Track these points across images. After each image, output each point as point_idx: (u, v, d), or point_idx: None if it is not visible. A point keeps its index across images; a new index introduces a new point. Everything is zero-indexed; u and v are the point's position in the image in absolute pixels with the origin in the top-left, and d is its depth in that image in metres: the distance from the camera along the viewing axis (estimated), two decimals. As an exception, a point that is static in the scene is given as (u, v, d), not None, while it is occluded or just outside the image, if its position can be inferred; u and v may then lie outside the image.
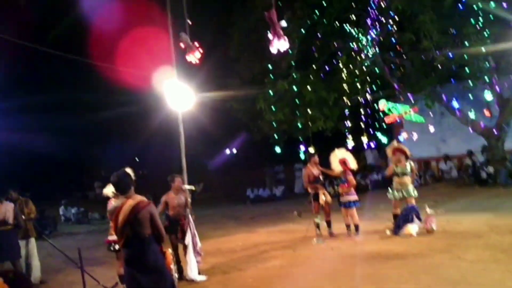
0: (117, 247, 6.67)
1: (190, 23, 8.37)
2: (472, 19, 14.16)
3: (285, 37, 7.28)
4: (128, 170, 4.79)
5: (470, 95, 15.90)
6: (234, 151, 29.08)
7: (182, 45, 8.43)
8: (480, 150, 17.17)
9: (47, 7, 16.95)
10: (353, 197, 9.99)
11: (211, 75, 15.86)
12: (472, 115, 16.43)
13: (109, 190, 6.94)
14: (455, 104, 16.41)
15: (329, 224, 10.37)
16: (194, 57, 8.33)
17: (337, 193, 10.43)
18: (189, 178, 8.34)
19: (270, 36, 7.40)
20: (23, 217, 8.67)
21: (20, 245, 8.61)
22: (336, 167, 10.15)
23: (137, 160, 26.70)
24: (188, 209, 7.93)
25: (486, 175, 15.89)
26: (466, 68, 14.89)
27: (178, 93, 10.07)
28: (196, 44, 8.38)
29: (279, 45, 7.11)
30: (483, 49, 13.79)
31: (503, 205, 11.88)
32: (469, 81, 15.10)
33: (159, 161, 27.92)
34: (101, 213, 18.94)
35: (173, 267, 7.11)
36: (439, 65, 15.05)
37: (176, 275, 7.37)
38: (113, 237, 6.33)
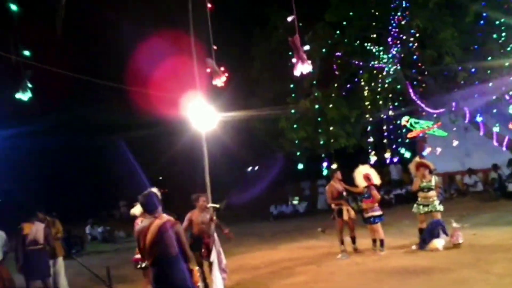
0: (143, 265, 6.82)
1: (215, 48, 8.62)
2: (494, 34, 14.13)
3: (309, 61, 7.45)
4: (154, 190, 4.95)
5: (494, 109, 15.78)
6: (256, 168, 29.18)
7: (208, 70, 8.67)
8: (506, 164, 16.93)
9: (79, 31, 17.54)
10: (378, 212, 9.95)
11: (234, 96, 16.09)
12: (496, 129, 16.27)
13: (136, 210, 7.10)
14: (479, 118, 16.27)
15: (353, 240, 10.36)
16: (220, 81, 8.56)
17: (360, 209, 10.41)
18: (213, 196, 8.48)
19: (294, 60, 7.59)
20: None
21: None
22: (360, 183, 10.16)
23: (161, 179, 26.96)
24: (213, 226, 8.05)
25: (512, 189, 15.63)
26: (490, 83, 14.81)
27: (202, 114, 10.32)
28: (222, 68, 8.62)
29: (303, 68, 7.28)
30: (506, 63, 13.73)
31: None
32: (493, 96, 15.01)
33: (183, 180, 28.20)
34: (126, 231, 19.17)
35: (200, 284, 7.24)
36: (462, 81, 14.99)
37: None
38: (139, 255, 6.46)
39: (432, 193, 9.72)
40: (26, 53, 7.54)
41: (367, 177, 10.11)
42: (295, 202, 22.82)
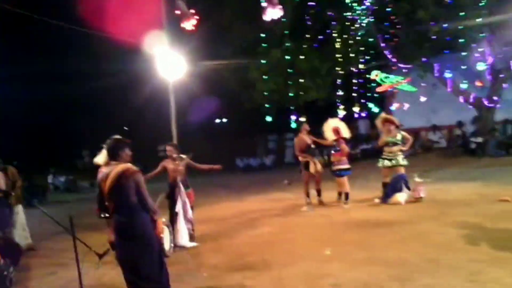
0: (107, 214, 6.67)
1: None
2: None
3: (280, 6, 7.18)
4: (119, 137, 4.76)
5: (462, 66, 15.89)
6: (224, 120, 29.03)
7: (178, 11, 8.29)
8: (471, 121, 17.28)
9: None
10: (345, 165, 10.03)
11: (203, 43, 15.63)
12: (464, 86, 16.47)
13: (100, 158, 6.88)
14: (448, 75, 16.39)
15: (319, 192, 10.47)
16: (189, 24, 8.21)
17: (328, 162, 10.46)
18: (180, 147, 8.33)
19: (264, 4, 7.29)
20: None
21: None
22: (330, 136, 10.15)
23: (127, 129, 26.49)
24: (179, 177, 7.93)
25: (475, 145, 16.02)
26: (461, 39, 14.82)
27: (169, 61, 9.95)
28: (192, 11, 8.25)
29: (273, 13, 7.01)
30: (479, 20, 13.70)
31: (492, 175, 12.04)
32: (462, 52, 15.07)
33: (149, 130, 27.79)
34: (90, 181, 18.90)
35: (167, 235, 7.17)
36: (433, 36, 14.95)
37: (172, 244, 7.42)
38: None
39: (397, 148, 9.82)
40: None
41: (336, 131, 10.10)
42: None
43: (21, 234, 8.78)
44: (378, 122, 10.31)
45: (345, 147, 10.09)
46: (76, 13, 15.56)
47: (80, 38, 15.03)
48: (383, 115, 10.66)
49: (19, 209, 8.82)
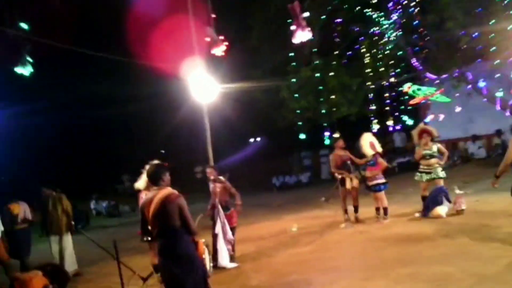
0: (149, 238, 6.83)
1: (214, 16, 8.48)
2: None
3: (308, 28, 7.31)
4: (158, 162, 4.93)
5: (497, 74, 15.58)
6: (258, 139, 29.19)
7: (207, 39, 8.56)
8: (510, 129, 16.85)
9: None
10: (382, 180, 9.95)
11: (234, 66, 15.91)
12: (499, 94, 16.12)
13: (140, 183, 7.09)
14: (482, 83, 16.09)
15: (356, 209, 10.39)
16: (219, 50, 8.45)
17: (364, 177, 10.37)
18: (217, 169, 8.50)
19: (293, 27, 7.44)
20: (58, 212, 8.97)
21: (55, 240, 8.93)
22: (368, 151, 10.05)
23: (163, 152, 26.99)
24: (217, 199, 8.06)
25: (516, 154, 15.56)
26: (492, 47, 14.58)
27: (203, 85, 10.23)
28: (221, 37, 8.50)
29: (302, 35, 7.14)
30: (509, 26, 13.47)
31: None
32: (495, 60, 14.80)
33: (185, 153, 28.21)
34: (131, 205, 19.28)
35: (207, 256, 7.28)
36: (464, 46, 14.76)
37: (211, 264, 7.53)
38: None
39: (434, 161, 9.68)
40: (24, 26, 7.43)
41: (372, 145, 10.07)
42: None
43: (69, 260, 9.09)
44: (415, 133, 10.18)
45: (382, 161, 10.05)
46: (115, 41, 16.23)
47: (118, 64, 15.59)
48: (421, 125, 10.56)
49: (68, 236, 9.15)
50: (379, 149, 10.23)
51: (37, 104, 19.55)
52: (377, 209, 10.16)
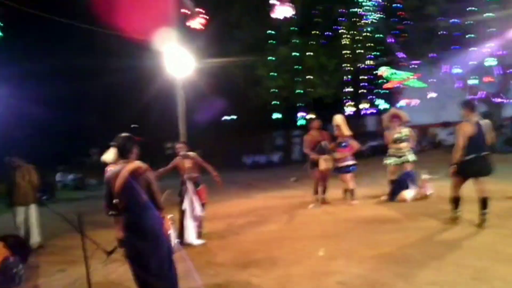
0: (114, 212, 6.72)
1: None
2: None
3: (289, 3, 7.17)
4: (128, 135, 4.80)
5: (471, 61, 15.79)
6: (232, 117, 29.07)
7: (185, 10, 8.32)
8: (481, 117, 17.15)
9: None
10: (351, 161, 10.03)
11: (211, 40, 15.67)
12: (472, 81, 16.37)
13: (108, 156, 6.92)
14: (456, 70, 16.30)
15: (324, 190, 10.44)
16: (196, 22, 8.23)
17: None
18: (188, 145, 8.37)
19: (273, 1, 7.28)
20: (25, 183, 8.75)
21: (20, 211, 8.73)
22: (346, 131, 10.08)
23: (135, 126, 26.63)
24: (187, 175, 7.97)
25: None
26: (470, 34, 14.73)
27: (177, 58, 9.98)
28: (200, 10, 8.28)
29: (283, 11, 6.99)
30: (488, 14, 13.60)
31: (500, 172, 11.90)
32: (471, 48, 14.98)
33: (157, 128, 27.88)
34: (98, 179, 19.01)
35: (173, 232, 7.21)
36: (442, 32, 14.86)
37: (177, 240, 7.48)
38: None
39: (404, 144, 9.77)
40: None
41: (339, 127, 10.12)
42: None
43: (35, 232, 8.92)
44: (386, 117, 10.23)
45: (356, 143, 10.11)
46: (86, 11, 15.68)
47: (88, 35, 15.12)
48: (392, 109, 10.62)
49: (34, 208, 8.95)
50: (347, 132, 10.27)
51: (4, 71, 18.94)
52: (345, 191, 10.26)
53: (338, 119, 10.24)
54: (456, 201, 7.27)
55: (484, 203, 6.92)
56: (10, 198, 8.80)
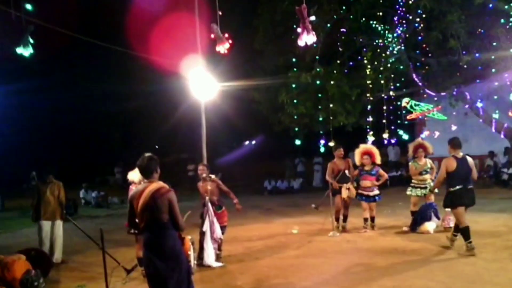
0: (136, 230, 6.82)
1: (220, 13, 8.46)
2: (502, 19, 13.94)
3: (313, 32, 7.31)
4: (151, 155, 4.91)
5: (495, 96, 15.69)
6: (253, 142, 29.24)
7: (212, 35, 8.53)
8: (503, 151, 16.96)
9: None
10: (377, 191, 10.14)
11: (234, 65, 15.93)
12: (496, 115, 16.23)
13: (134, 175, 7.07)
14: (479, 104, 16.19)
15: (345, 218, 10.41)
16: (223, 48, 8.43)
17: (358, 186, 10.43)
18: (210, 168, 8.49)
19: (299, 30, 7.44)
20: (54, 199, 8.95)
21: (46, 226, 8.88)
22: (378, 159, 10.23)
23: (158, 148, 26.94)
24: (207, 198, 8.05)
25: (507, 177, 15.68)
26: (493, 69, 14.68)
27: (202, 83, 10.19)
28: (226, 35, 8.48)
29: (307, 39, 7.14)
30: (511, 50, 13.57)
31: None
32: (495, 82, 14.92)
33: (181, 150, 28.19)
34: (120, 197, 19.20)
35: (192, 253, 7.26)
36: (465, 66, 14.85)
37: (195, 262, 7.52)
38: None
39: (427, 176, 9.75)
40: (28, 7, 7.40)
41: (369, 154, 10.26)
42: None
43: (60, 247, 9.07)
44: (411, 146, 10.25)
45: (384, 173, 10.21)
46: (117, 37, 16.23)
47: (119, 59, 15.59)
48: (419, 140, 10.67)
49: (61, 223, 9.12)
50: (379, 160, 10.35)
51: (35, 85, 19.48)
52: (365, 219, 10.23)
53: (370, 147, 10.36)
54: (465, 232, 7.48)
55: (465, 232, 7.41)
56: (37, 212, 8.97)
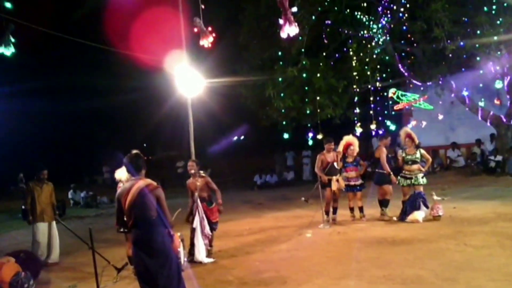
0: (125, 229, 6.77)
1: (203, 7, 8.40)
2: (485, 7, 14.03)
3: (296, 23, 7.28)
4: (138, 152, 4.88)
5: (480, 84, 15.81)
6: (242, 137, 29.21)
7: (195, 29, 8.48)
8: (489, 139, 17.11)
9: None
10: (360, 181, 10.37)
11: (220, 61, 15.82)
12: (482, 103, 16.37)
13: (122, 174, 7.02)
14: (465, 92, 16.32)
15: (335, 210, 10.45)
16: (207, 41, 8.38)
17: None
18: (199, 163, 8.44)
19: (281, 21, 7.41)
20: (48, 200, 8.88)
21: (42, 228, 8.84)
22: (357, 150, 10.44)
23: (146, 145, 26.82)
24: (196, 194, 8.01)
25: (494, 164, 15.83)
26: (477, 57, 14.79)
27: (188, 78, 10.13)
28: (210, 29, 8.43)
29: (290, 30, 7.10)
30: (495, 38, 13.66)
31: (510, 194, 11.90)
32: (480, 70, 15.03)
33: (168, 147, 28.08)
34: (109, 197, 19.09)
35: (181, 250, 7.22)
36: (450, 54, 14.93)
37: (186, 258, 7.50)
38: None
39: (416, 166, 9.78)
40: (8, 5, 7.27)
41: (350, 145, 10.43)
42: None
43: (57, 248, 9.02)
44: (402, 133, 10.30)
45: (364, 162, 10.37)
46: (100, 32, 16.05)
47: (102, 55, 15.40)
48: (406, 129, 10.73)
49: (55, 224, 9.08)
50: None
51: (18, 87, 19.25)
52: (351, 209, 10.47)
53: (352, 139, 10.46)
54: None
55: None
56: (32, 214, 8.87)
